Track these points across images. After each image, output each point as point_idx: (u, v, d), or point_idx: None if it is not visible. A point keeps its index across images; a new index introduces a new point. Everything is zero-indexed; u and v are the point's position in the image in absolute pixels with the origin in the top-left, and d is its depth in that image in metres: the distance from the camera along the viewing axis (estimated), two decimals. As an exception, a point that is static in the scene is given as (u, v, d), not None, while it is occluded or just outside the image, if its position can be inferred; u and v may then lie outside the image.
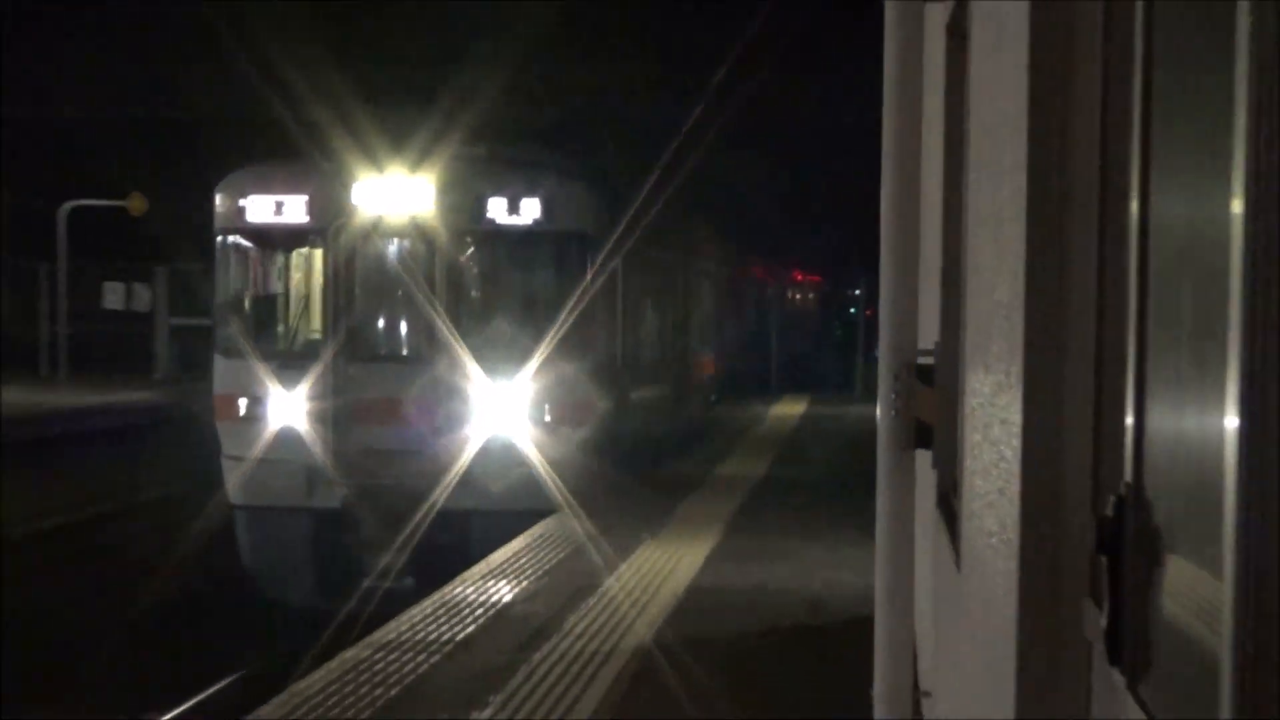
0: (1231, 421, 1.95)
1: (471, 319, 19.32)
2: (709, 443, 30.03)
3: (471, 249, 19.58)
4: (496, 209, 18.91)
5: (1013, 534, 3.67)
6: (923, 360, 8.22)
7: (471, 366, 18.28)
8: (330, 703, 10.17)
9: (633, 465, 22.40)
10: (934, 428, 7.86)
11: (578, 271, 19.29)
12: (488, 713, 9.92)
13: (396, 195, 18.85)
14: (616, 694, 10.57)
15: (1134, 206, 2.89)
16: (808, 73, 43.69)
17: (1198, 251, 2.37)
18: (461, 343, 18.39)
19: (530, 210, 18.87)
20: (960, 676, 5.72)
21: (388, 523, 17.97)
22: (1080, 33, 3.48)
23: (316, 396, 18.72)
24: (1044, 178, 3.56)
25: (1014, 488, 3.67)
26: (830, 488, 21.48)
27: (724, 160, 42.47)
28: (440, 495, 17.94)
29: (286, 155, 20.95)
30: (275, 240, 20.08)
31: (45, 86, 45.48)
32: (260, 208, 19.26)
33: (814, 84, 44.73)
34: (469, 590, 14.10)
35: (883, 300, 8.51)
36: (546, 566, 15.29)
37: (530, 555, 16.01)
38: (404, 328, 19.94)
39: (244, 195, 19.34)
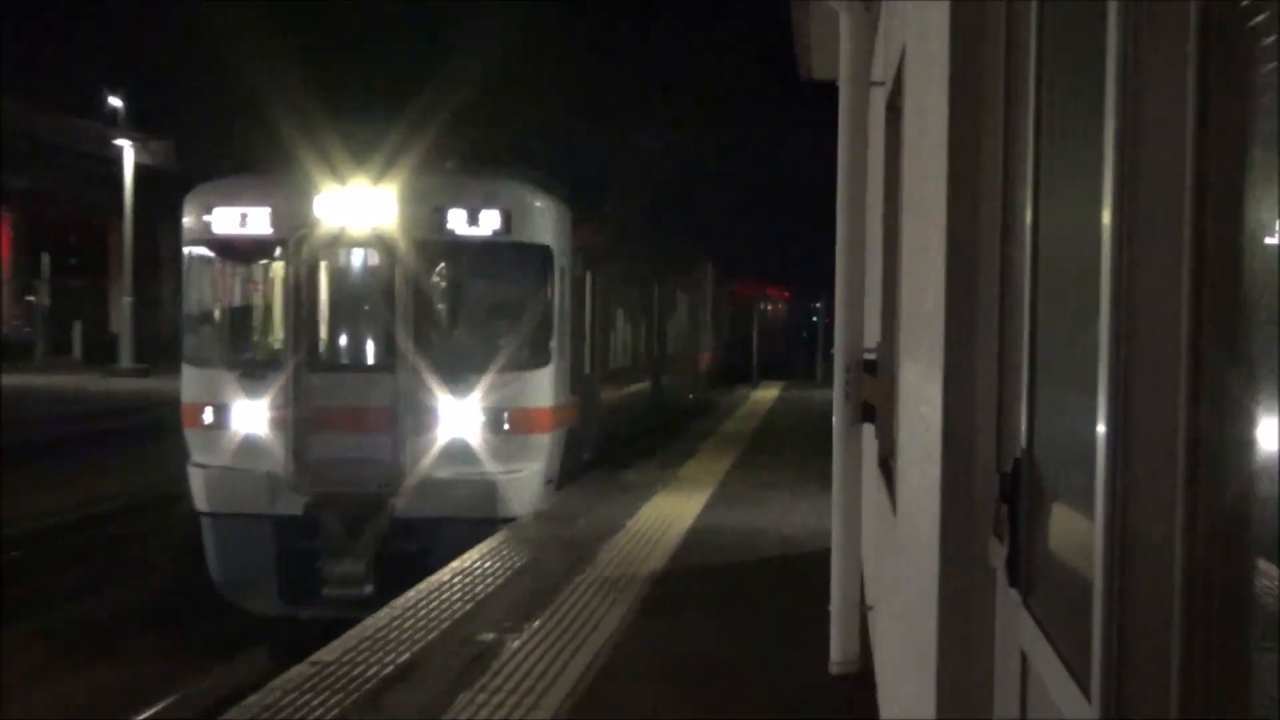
0: (1101, 401, 1.95)
1: (433, 329, 15.62)
2: (701, 419, 28.58)
3: (433, 260, 15.63)
4: (457, 220, 15.11)
5: (935, 488, 3.67)
6: (868, 356, 8.23)
7: (433, 375, 14.82)
8: (421, 613, 10.16)
9: (604, 464, 19.04)
10: (876, 407, 7.86)
11: (539, 282, 15.52)
12: (538, 622, 9.92)
13: (359, 206, 15.19)
14: (644, 596, 10.56)
15: (1028, 241, 2.89)
16: (780, 134, 43.51)
17: (1075, 275, 2.37)
18: (423, 352, 14.93)
19: (490, 222, 15.09)
20: (896, 595, 5.72)
21: (350, 530, 14.70)
22: (986, 110, 3.48)
23: (279, 405, 14.99)
24: (959, 218, 3.56)
25: (936, 453, 3.67)
26: (799, 452, 21.18)
27: (707, 197, 42.15)
28: (400, 503, 14.74)
29: (255, 169, 17.46)
30: (240, 251, 16.15)
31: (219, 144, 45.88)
32: (225, 220, 15.51)
33: (786, 143, 44.52)
34: (528, 530, 14.05)
35: (838, 310, 8.52)
36: (586, 512, 15.20)
37: (576, 499, 15.91)
38: (366, 337, 15.98)
39: (209, 208, 15.59)
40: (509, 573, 11.81)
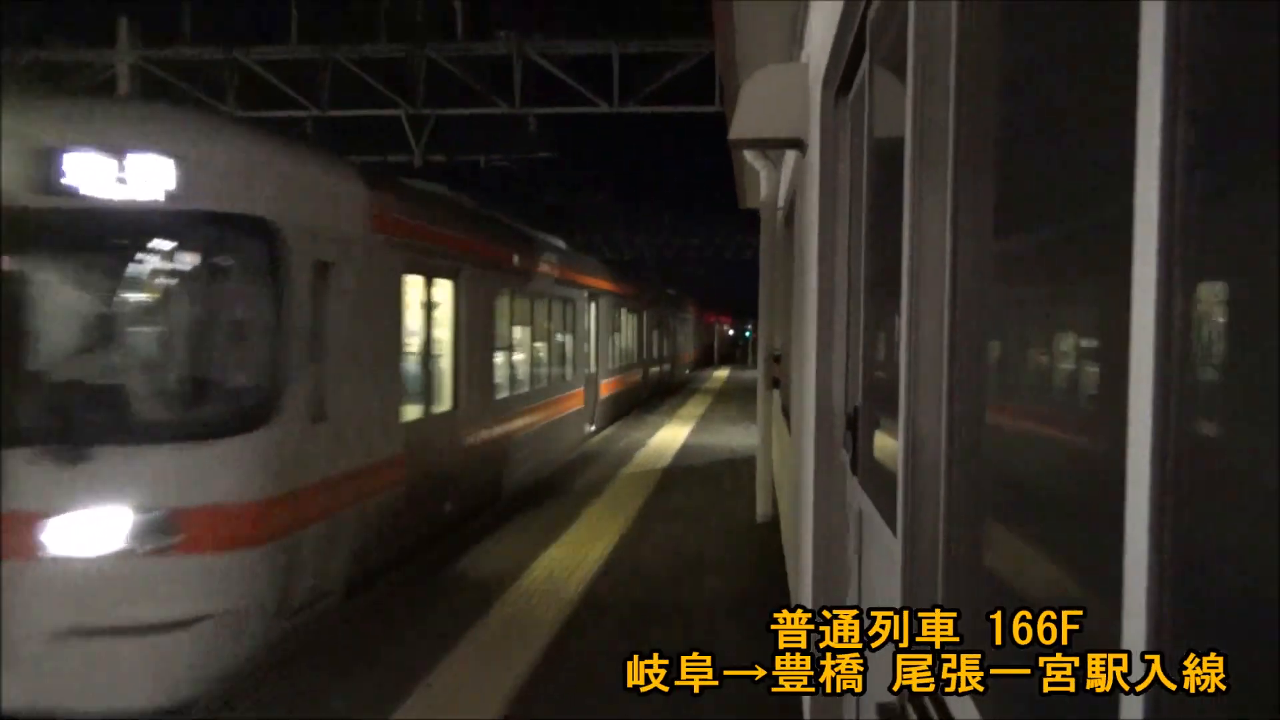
0: (901, 375, 1.91)
1: (35, 368, 3.01)
2: (687, 386, 26.55)
3: (38, 243, 2.90)
4: (85, 172, 2.79)
5: (812, 422, 3.63)
6: (776, 352, 8.18)
7: (34, 453, 2.88)
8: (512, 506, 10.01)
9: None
10: (780, 380, 7.81)
11: (257, 286, 3.40)
12: (606, 490, 9.75)
13: None
14: (657, 481, 10.46)
15: (861, 291, 2.85)
16: (733, 233, 41.90)
17: (887, 307, 2.33)
18: (17, 410, 2.90)
19: (150, 175, 2.77)
20: (792, 479, 5.67)
21: None
22: (839, 223, 3.44)
23: None
24: (824, 281, 3.52)
25: (812, 403, 3.63)
26: (739, 404, 20.94)
27: (690, 262, 40.10)
28: None
29: None
30: None
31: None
32: None
33: (736, 235, 42.73)
34: (596, 444, 13.78)
35: (760, 328, 8.47)
36: (625, 436, 14.96)
37: (621, 429, 15.64)
38: None
39: None
40: (574, 468, 11.66)
